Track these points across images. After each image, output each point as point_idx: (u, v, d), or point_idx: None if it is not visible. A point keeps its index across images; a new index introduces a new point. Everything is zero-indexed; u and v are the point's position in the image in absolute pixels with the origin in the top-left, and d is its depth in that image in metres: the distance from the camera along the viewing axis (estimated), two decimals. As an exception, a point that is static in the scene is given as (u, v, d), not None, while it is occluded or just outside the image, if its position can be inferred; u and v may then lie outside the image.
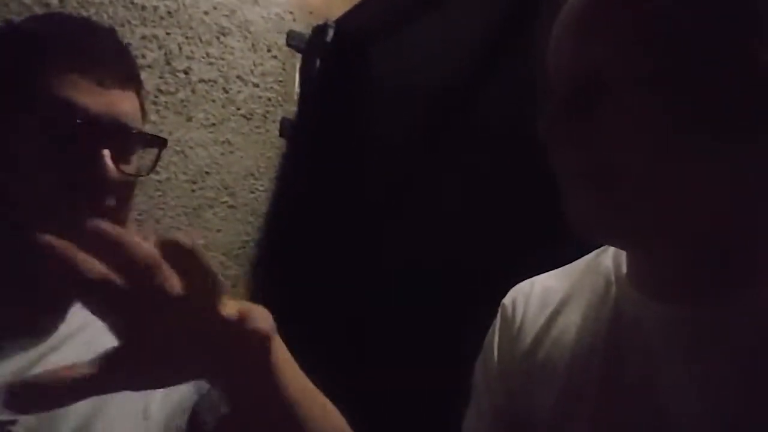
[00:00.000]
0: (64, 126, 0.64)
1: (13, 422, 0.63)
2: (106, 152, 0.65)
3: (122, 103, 0.68)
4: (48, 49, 0.67)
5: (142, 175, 0.72)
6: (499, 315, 0.71)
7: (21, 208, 0.65)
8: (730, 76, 0.45)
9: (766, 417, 0.45)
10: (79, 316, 0.73)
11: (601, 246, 0.66)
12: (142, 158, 0.72)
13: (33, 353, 0.67)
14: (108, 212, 0.66)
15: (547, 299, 0.66)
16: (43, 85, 0.64)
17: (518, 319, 0.67)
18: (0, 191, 0.66)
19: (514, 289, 0.72)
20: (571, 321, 0.62)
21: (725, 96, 0.46)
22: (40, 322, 0.69)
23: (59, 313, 0.71)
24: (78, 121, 0.64)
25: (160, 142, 0.74)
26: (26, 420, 0.63)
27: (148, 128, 0.74)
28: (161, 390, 0.65)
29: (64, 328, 0.71)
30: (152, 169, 0.75)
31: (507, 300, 0.71)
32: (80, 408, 0.65)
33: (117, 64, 0.69)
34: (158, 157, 0.75)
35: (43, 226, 0.61)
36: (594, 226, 0.52)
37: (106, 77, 0.66)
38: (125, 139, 0.68)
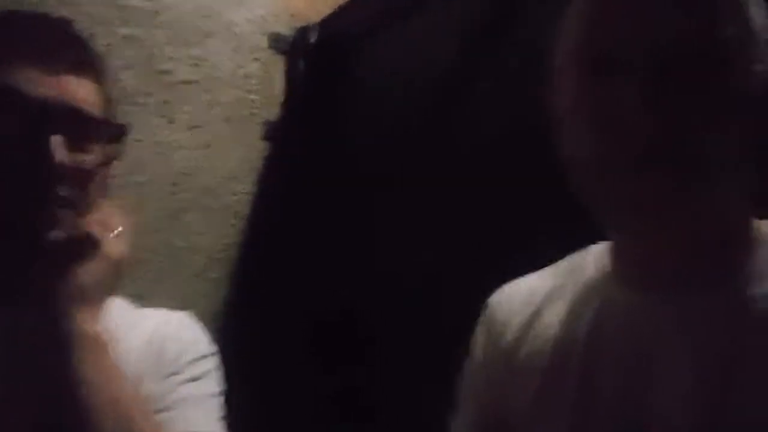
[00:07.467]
0: (10, 113, 0.63)
1: None
2: (56, 138, 0.63)
3: (75, 89, 0.66)
4: None
5: (102, 164, 0.69)
6: (483, 315, 0.72)
7: None
8: None
9: (746, 401, 0.48)
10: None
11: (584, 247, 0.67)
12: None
13: None
14: (62, 202, 0.65)
15: (530, 298, 0.67)
16: None
17: (501, 318, 0.68)
18: None
19: (499, 290, 0.72)
20: (553, 319, 0.63)
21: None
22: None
23: None
24: (23, 106, 0.63)
25: (120, 129, 0.71)
26: None
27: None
28: None
29: None
30: (113, 158, 0.71)
31: (491, 300, 0.72)
32: None
33: (67, 52, 0.67)
34: (120, 145, 0.71)
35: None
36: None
37: (55, 64, 0.65)
38: (80, 125, 0.66)
